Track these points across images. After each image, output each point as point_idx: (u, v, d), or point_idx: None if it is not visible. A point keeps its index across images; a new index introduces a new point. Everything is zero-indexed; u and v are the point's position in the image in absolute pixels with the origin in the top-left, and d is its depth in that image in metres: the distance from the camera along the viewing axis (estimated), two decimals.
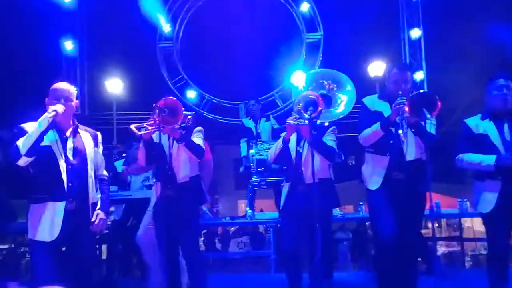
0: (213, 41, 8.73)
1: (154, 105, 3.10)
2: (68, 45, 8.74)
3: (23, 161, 2.75)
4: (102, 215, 2.95)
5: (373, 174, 3.40)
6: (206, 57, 8.73)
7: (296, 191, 3.58)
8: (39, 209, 2.80)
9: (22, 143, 2.73)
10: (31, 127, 2.78)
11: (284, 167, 3.94)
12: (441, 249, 7.29)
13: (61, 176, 2.80)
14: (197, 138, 3.63)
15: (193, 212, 3.65)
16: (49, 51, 8.38)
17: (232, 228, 8.10)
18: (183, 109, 3.32)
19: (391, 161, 3.32)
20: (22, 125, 2.83)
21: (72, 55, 8.80)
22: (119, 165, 4.95)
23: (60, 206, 2.79)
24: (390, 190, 3.31)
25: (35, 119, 3.13)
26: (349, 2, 8.80)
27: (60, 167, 2.82)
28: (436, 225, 7.81)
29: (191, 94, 9.80)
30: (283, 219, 3.83)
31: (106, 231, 5.06)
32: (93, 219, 2.91)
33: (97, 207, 2.96)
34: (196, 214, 3.77)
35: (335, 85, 4.15)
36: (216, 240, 8.38)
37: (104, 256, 5.22)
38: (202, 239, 7.63)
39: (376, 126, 3.32)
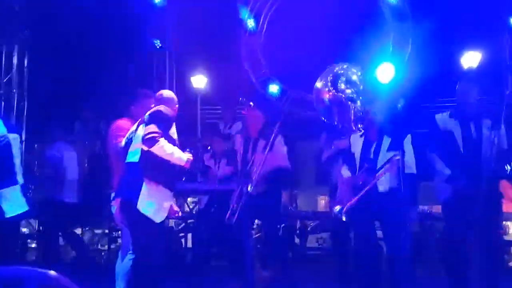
0: (296, 34, 8.67)
1: (240, 98, 3.22)
2: (158, 42, 9.17)
3: None
4: None
5: None
6: (289, 51, 8.70)
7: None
8: (163, 192, 3.11)
9: None
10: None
11: None
12: None
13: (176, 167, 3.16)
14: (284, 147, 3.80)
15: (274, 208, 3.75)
16: (142, 48, 8.85)
17: (311, 224, 8.05)
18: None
19: None
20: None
21: (162, 51, 9.24)
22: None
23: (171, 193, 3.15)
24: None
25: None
26: None
27: None
28: None
29: (274, 88, 9.88)
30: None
31: (192, 220, 5.26)
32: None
33: None
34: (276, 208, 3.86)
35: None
36: (294, 235, 8.36)
37: (189, 245, 5.44)
38: (280, 233, 7.66)
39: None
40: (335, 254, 5.30)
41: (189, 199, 6.69)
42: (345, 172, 3.73)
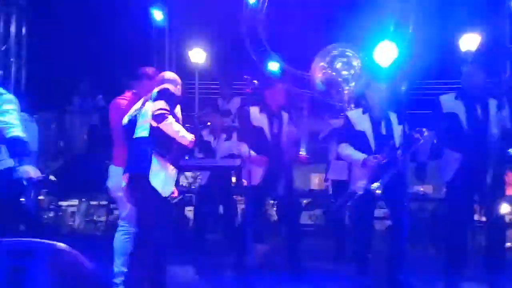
0: (298, 12, 8.59)
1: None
2: (158, 15, 9.00)
3: None
4: None
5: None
6: (290, 28, 8.63)
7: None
8: (170, 167, 3.17)
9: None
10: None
11: None
12: None
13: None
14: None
15: None
16: (140, 21, 8.71)
17: (305, 201, 8.16)
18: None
19: None
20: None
21: (162, 25, 9.09)
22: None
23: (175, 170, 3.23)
24: None
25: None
26: None
27: None
28: None
29: (273, 66, 9.78)
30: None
31: (192, 195, 5.34)
32: None
33: None
34: None
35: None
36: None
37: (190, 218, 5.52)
38: (275, 209, 7.78)
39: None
40: (327, 231, 5.42)
41: (188, 174, 6.74)
42: (347, 151, 3.73)
